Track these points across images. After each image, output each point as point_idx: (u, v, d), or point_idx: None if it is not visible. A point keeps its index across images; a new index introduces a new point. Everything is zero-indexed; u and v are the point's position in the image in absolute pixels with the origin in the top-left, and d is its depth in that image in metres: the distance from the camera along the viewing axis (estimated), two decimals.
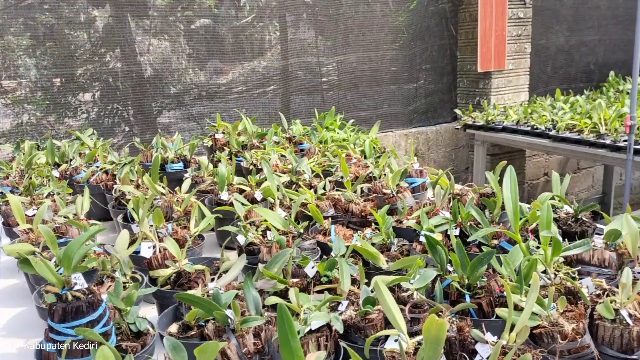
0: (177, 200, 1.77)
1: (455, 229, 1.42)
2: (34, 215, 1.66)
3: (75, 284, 0.94)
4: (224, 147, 2.71)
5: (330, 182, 2.03)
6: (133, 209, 1.67)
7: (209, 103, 4.05)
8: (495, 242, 1.39)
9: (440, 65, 4.89)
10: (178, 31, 3.97)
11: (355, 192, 1.76)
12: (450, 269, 1.15)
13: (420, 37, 4.73)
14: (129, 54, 3.82)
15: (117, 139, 3.83)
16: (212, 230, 1.90)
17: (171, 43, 3.97)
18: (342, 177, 2.16)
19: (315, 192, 1.93)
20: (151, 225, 1.49)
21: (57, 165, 2.46)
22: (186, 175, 2.31)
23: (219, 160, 2.26)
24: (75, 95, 3.71)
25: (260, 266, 1.16)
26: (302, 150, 2.73)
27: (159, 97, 3.95)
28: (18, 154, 2.57)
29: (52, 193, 1.97)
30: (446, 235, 1.42)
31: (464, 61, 4.85)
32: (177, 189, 1.89)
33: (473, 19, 4.62)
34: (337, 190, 1.92)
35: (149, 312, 1.31)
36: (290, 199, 1.77)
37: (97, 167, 2.30)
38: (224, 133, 2.88)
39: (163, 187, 1.97)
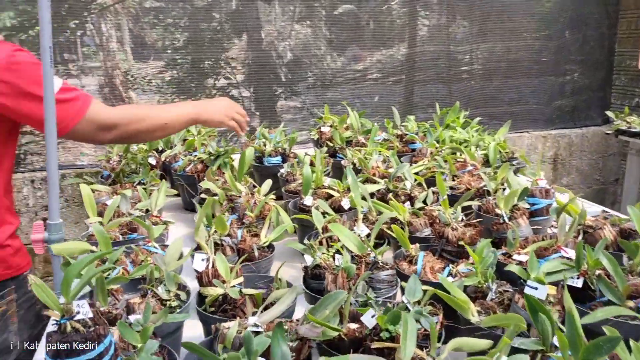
0: (255, 202, 1.61)
1: (577, 279, 1.08)
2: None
3: (78, 312, 0.80)
4: (329, 142, 2.52)
5: (434, 193, 1.75)
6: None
7: (331, 91, 3.90)
8: (631, 303, 1.03)
9: (594, 59, 4.23)
10: (320, 17, 3.87)
11: (455, 211, 1.46)
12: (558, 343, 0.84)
13: (572, 26, 4.12)
14: (256, 39, 3.78)
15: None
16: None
17: (312, 29, 3.87)
18: (454, 189, 1.87)
19: (412, 205, 1.66)
20: (215, 232, 1.35)
21: (161, 152, 2.45)
22: (281, 171, 2.16)
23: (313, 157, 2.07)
24: (200, 81, 3.76)
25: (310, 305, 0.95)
26: (413, 150, 2.45)
27: (286, 85, 3.88)
28: None
29: (142, 182, 1.94)
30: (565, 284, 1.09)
31: (622, 55, 4.14)
32: (256, 189, 1.74)
33: (638, 7, 3.91)
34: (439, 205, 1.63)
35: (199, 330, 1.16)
36: (378, 212, 1.52)
37: (195, 156, 2.24)
38: (331, 126, 2.69)
39: (248, 185, 1.83)
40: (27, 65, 1.40)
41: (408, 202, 1.67)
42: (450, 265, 1.25)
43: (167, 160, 2.32)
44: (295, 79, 3.89)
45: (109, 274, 1.25)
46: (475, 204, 1.63)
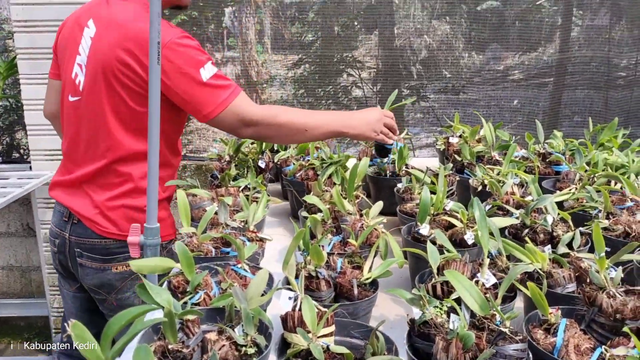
0: (362, 227, 1.41)
1: None
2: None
3: None
4: (457, 156, 2.24)
5: (583, 235, 1.42)
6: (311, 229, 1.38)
7: (465, 93, 3.57)
8: None
9: None
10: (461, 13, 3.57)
11: (613, 269, 1.14)
12: None
13: None
14: (388, 36, 3.56)
15: None
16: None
17: (451, 26, 3.59)
18: (609, 230, 1.51)
19: (554, 247, 1.35)
20: (310, 261, 1.16)
21: (275, 152, 2.35)
22: (399, 185, 1.94)
23: (435, 175, 1.81)
24: (327, 78, 3.63)
25: None
26: (557, 173, 2.08)
27: (415, 86, 3.62)
28: None
29: (248, 187, 1.82)
30: None
31: None
32: (365, 211, 1.53)
33: None
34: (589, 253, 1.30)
35: None
36: (509, 257, 1.24)
37: (307, 160, 2.09)
38: (460, 137, 2.40)
39: (358, 202, 1.64)
40: (190, 49, 1.49)
41: (548, 246, 1.36)
42: (603, 347, 0.95)
43: (279, 163, 2.20)
44: (427, 78, 3.62)
45: (191, 297, 1.13)
46: (637, 257, 1.28)
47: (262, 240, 1.42)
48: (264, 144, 2.23)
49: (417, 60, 3.63)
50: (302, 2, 3.61)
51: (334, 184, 1.82)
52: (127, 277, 1.64)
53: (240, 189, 1.79)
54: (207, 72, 1.48)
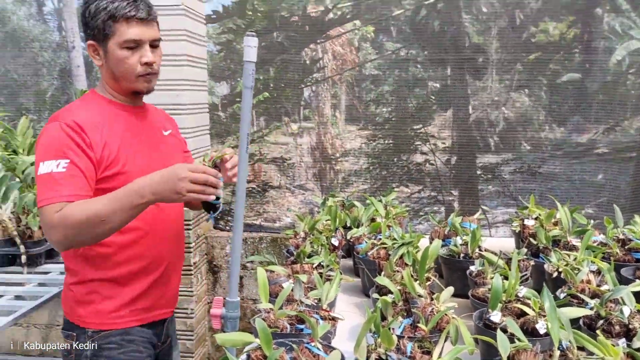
0: (432, 311, 1.44)
1: None
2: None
3: None
4: (532, 239, 2.23)
5: None
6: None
7: (544, 167, 3.52)
8: None
9: None
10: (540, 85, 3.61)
11: None
12: None
13: None
14: (463, 114, 3.63)
15: (433, 207, 3.65)
16: None
17: (530, 98, 3.64)
18: None
19: (629, 340, 1.32)
20: (380, 344, 1.21)
21: (348, 228, 2.43)
22: (471, 268, 1.95)
23: (508, 259, 1.81)
24: (398, 153, 3.73)
25: None
26: (637, 261, 2.02)
27: (488, 166, 3.63)
28: (323, 209, 2.65)
29: (322, 264, 1.91)
30: None
31: None
32: (436, 295, 1.56)
33: None
34: None
35: None
36: (581, 349, 1.23)
37: (379, 239, 2.16)
38: (536, 219, 2.39)
39: (430, 284, 1.67)
40: (53, 140, 1.55)
41: (623, 339, 1.33)
42: None
43: (352, 240, 2.28)
44: (503, 156, 3.62)
45: None
46: None
47: (334, 319, 1.48)
48: (337, 221, 2.33)
49: (495, 132, 3.66)
50: (378, 75, 3.78)
51: (406, 264, 1.86)
52: None
53: (315, 266, 1.88)
54: (45, 167, 1.49)
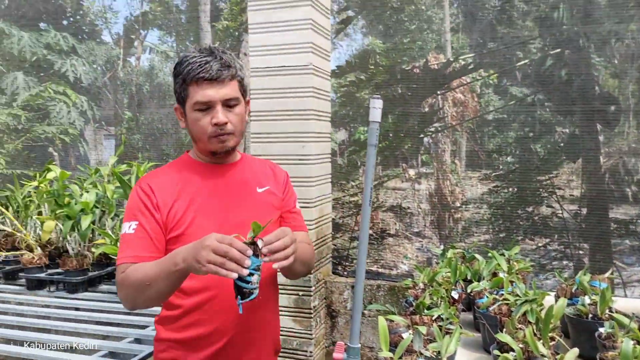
0: None
1: None
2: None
3: None
4: None
5: None
6: None
7: None
8: None
9: None
10: None
11: None
12: None
13: None
14: (594, 159, 3.47)
15: (560, 262, 3.48)
16: None
17: None
18: None
19: None
20: None
21: (469, 282, 2.41)
22: (600, 330, 1.85)
23: None
24: (521, 208, 3.62)
25: None
26: None
27: (628, 219, 3.40)
28: (442, 260, 2.66)
29: (441, 317, 1.92)
30: None
31: None
32: (560, 356, 1.51)
33: None
34: None
35: None
36: None
37: (501, 295, 2.12)
38: None
39: (554, 344, 1.62)
40: (131, 200, 1.66)
41: None
42: None
43: (472, 294, 2.26)
44: None
45: None
46: None
47: None
48: (457, 274, 2.32)
49: (632, 182, 3.43)
50: (501, 119, 3.73)
51: (529, 322, 1.82)
52: None
53: (434, 318, 1.89)
54: (123, 228, 1.61)
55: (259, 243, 1.38)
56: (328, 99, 3.49)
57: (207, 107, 1.61)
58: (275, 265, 1.40)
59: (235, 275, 1.31)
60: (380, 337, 1.53)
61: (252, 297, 1.38)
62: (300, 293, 3.20)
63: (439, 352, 1.57)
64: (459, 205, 4.05)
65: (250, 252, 1.34)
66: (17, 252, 3.26)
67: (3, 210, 3.34)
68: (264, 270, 1.49)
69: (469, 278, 2.47)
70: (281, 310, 3.25)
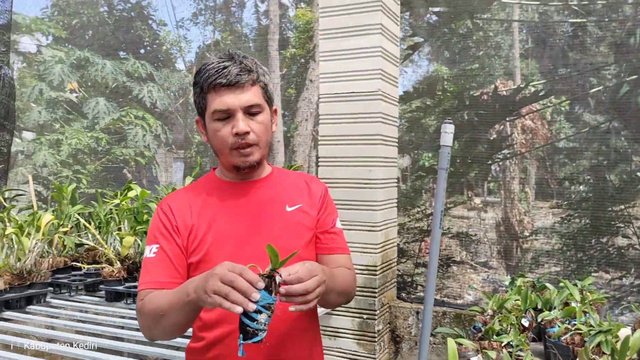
0: None
1: None
2: None
3: None
4: None
5: None
6: None
7: None
8: None
9: None
10: None
11: None
12: None
13: None
14: None
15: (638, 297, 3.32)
16: None
17: None
18: None
19: None
20: None
21: (539, 311, 2.36)
22: None
23: None
24: (595, 238, 3.49)
25: None
26: None
27: None
28: (511, 289, 2.61)
29: (510, 343, 1.89)
30: None
31: None
32: None
33: None
34: None
35: None
36: None
37: (574, 325, 2.06)
38: None
39: None
40: (152, 223, 1.54)
41: None
42: None
43: (543, 323, 2.21)
44: None
45: None
46: None
47: None
48: (527, 302, 2.28)
49: None
50: (574, 148, 3.64)
51: (603, 353, 1.76)
52: None
53: (503, 344, 1.87)
54: (145, 252, 1.49)
55: (278, 278, 1.18)
56: (395, 125, 3.54)
57: (226, 115, 1.43)
58: (292, 308, 1.20)
59: (239, 310, 1.12)
60: (449, 358, 1.53)
61: (257, 339, 1.15)
62: (365, 316, 3.22)
63: None
64: (527, 234, 3.96)
65: (261, 284, 1.14)
66: (98, 266, 3.47)
67: (87, 225, 3.58)
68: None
69: (539, 307, 2.42)
70: (345, 333, 3.27)
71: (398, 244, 3.77)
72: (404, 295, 3.63)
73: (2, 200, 4.07)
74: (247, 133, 1.43)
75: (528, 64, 4.14)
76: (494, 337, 1.90)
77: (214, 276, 1.17)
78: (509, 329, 1.97)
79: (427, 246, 3.91)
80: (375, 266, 3.19)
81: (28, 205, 4.26)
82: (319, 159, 3.26)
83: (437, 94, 4.23)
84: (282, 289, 1.17)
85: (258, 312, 1.13)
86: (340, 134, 3.23)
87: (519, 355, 1.76)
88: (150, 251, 1.47)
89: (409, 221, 4.13)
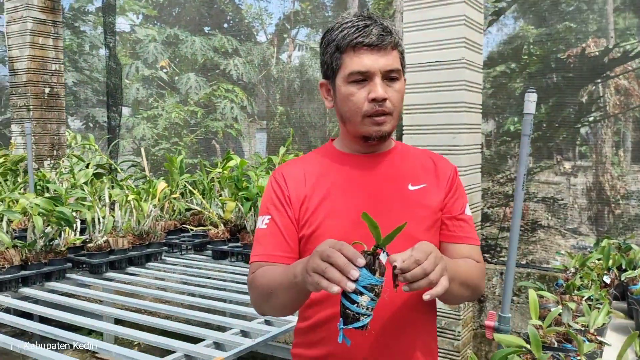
0: None
1: None
2: None
3: None
4: None
5: None
6: None
7: None
8: None
9: None
10: None
11: None
12: None
13: None
14: None
15: None
16: None
17: None
18: None
19: None
20: None
21: (623, 270, 2.42)
22: None
23: None
24: None
25: None
26: None
27: None
28: (596, 249, 2.68)
29: (590, 297, 2.01)
30: None
31: None
32: None
33: None
34: None
35: None
36: None
37: None
38: None
39: None
40: (265, 193, 1.49)
41: None
42: None
43: (626, 281, 2.29)
44: None
45: None
46: None
47: (601, 343, 1.61)
48: (611, 261, 2.36)
49: None
50: None
51: None
52: None
53: (584, 298, 1.99)
54: (257, 222, 1.45)
55: (382, 257, 1.06)
56: (479, 92, 3.61)
57: (363, 78, 1.32)
58: (426, 296, 1.07)
59: (336, 289, 1.01)
60: (530, 308, 1.69)
61: (359, 324, 1.04)
62: None
63: (587, 326, 1.69)
64: (620, 199, 3.92)
65: (361, 261, 1.03)
66: (204, 228, 3.87)
67: (194, 191, 3.99)
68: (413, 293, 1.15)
69: (623, 267, 2.48)
70: None
71: (482, 209, 3.87)
72: (487, 257, 3.75)
73: (119, 170, 4.59)
74: (385, 100, 1.31)
75: (625, 17, 4.00)
76: (575, 291, 2.02)
77: (315, 253, 1.08)
78: (590, 284, 2.08)
79: (512, 210, 3.99)
80: None
81: (140, 174, 4.77)
82: (404, 127, 3.42)
83: (522, 58, 4.22)
84: (401, 277, 1.06)
85: (359, 293, 1.02)
86: (425, 102, 3.36)
87: (597, 307, 1.88)
88: (262, 222, 1.42)
89: (493, 186, 4.20)
